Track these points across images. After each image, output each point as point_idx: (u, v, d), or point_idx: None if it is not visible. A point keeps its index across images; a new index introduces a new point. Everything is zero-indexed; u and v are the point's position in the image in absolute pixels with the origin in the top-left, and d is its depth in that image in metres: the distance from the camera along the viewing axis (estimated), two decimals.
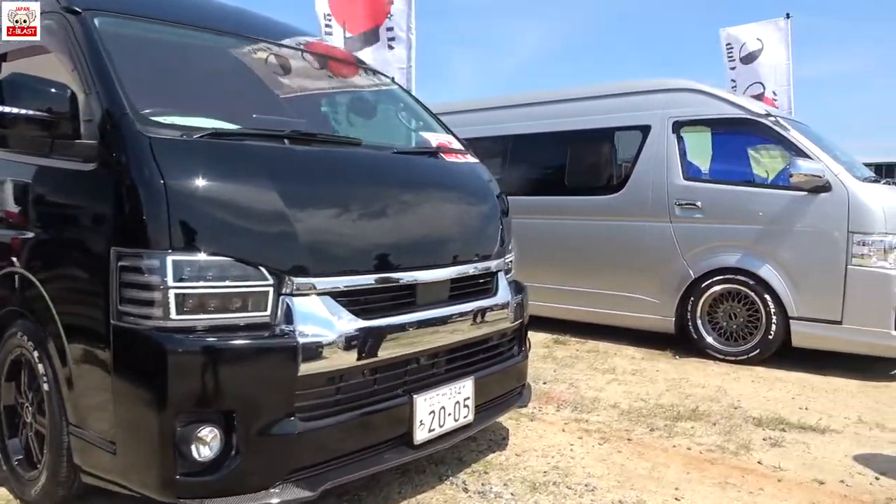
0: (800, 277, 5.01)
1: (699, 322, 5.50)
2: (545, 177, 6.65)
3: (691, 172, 5.67)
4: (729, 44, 7.68)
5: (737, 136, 5.55)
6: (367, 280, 2.51)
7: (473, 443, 3.45)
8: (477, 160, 3.54)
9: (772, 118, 5.25)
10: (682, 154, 5.65)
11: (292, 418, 2.25)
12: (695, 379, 4.84)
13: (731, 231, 5.33)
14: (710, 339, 5.45)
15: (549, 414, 4.00)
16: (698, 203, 5.45)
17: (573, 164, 6.38)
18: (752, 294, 5.23)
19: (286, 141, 2.58)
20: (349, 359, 2.37)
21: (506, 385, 3.19)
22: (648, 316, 5.78)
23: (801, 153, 5.04)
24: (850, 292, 4.81)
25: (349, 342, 2.36)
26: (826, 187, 4.90)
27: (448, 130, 3.65)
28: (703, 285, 5.45)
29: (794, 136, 5.14)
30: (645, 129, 5.84)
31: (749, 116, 5.34)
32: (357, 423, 2.44)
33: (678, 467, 3.23)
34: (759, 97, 7.36)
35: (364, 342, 2.41)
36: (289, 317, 2.29)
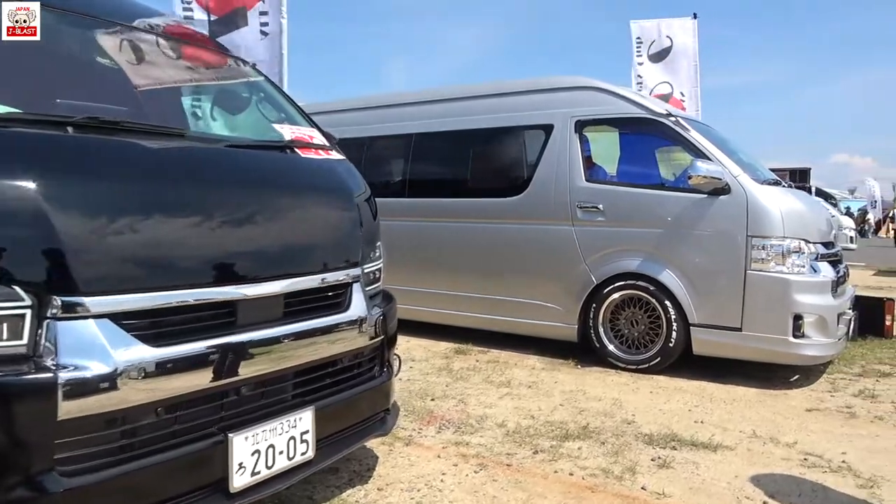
0: (700, 283, 4.84)
1: (601, 330, 5.27)
2: (448, 177, 6.32)
3: (594, 174, 5.44)
4: (639, 38, 7.56)
5: (639, 136, 5.36)
6: (165, 298, 2.07)
7: (333, 475, 3.05)
8: (342, 157, 3.14)
9: (672, 118, 5.07)
10: (585, 154, 5.42)
11: (51, 474, 1.80)
12: (593, 391, 4.59)
13: (632, 235, 5.12)
14: (611, 348, 5.23)
15: (429, 437, 3.64)
16: (600, 206, 5.22)
17: (476, 164, 6.07)
18: (653, 300, 5.03)
19: (71, 129, 2.11)
20: (134, 396, 1.93)
21: (361, 412, 2.81)
22: (552, 324, 5.53)
23: (701, 154, 4.88)
24: (750, 298, 4.66)
25: (134, 375, 1.92)
26: (725, 190, 4.74)
27: (312, 124, 3.24)
28: (605, 291, 5.22)
29: (694, 136, 4.98)
30: (548, 129, 5.58)
31: (650, 116, 5.15)
32: (150, 473, 1.99)
33: (556, 497, 2.92)
34: (667, 97, 7.27)
35: (157, 374, 1.98)
36: (52, 346, 1.83)
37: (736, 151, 5.61)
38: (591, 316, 5.28)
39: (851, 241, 24.59)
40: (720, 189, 4.74)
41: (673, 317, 4.92)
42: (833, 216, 22.19)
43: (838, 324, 4.82)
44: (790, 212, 4.71)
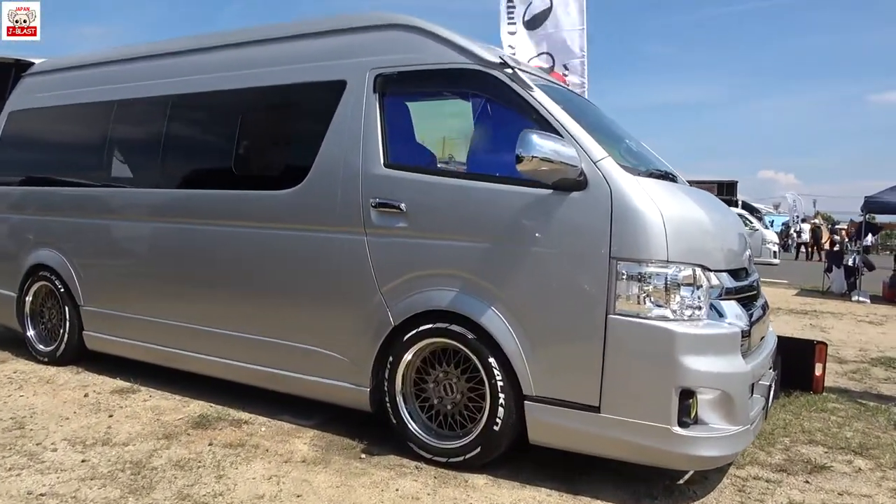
0: (539, 331, 3.02)
1: (399, 398, 3.40)
2: (207, 160, 4.35)
3: (398, 155, 3.55)
4: (511, 1, 5.79)
5: (462, 97, 3.52)
6: None
7: None
8: None
9: (508, 70, 3.24)
10: (389, 126, 3.54)
11: None
12: None
13: (446, 251, 3.27)
14: (415, 427, 3.36)
15: None
16: (402, 205, 3.35)
17: (243, 141, 4.11)
18: (472, 356, 3.19)
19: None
20: None
21: None
22: (334, 383, 3.62)
23: (544, 125, 3.06)
24: (612, 359, 2.86)
25: None
26: (579, 183, 2.94)
27: None
28: (407, 338, 3.35)
29: (538, 99, 3.15)
30: (338, 88, 3.68)
31: (476, 67, 3.31)
32: None
33: None
34: (547, 72, 5.53)
35: None
36: None
37: (609, 131, 3.86)
38: (387, 375, 3.40)
39: (775, 256, 23.92)
40: (571, 182, 2.93)
41: (499, 383, 3.09)
42: (756, 230, 21.35)
43: (752, 395, 3.09)
44: (681, 221, 2.95)
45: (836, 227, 24.59)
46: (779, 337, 4.24)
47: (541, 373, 3.00)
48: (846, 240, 18.15)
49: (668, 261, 2.82)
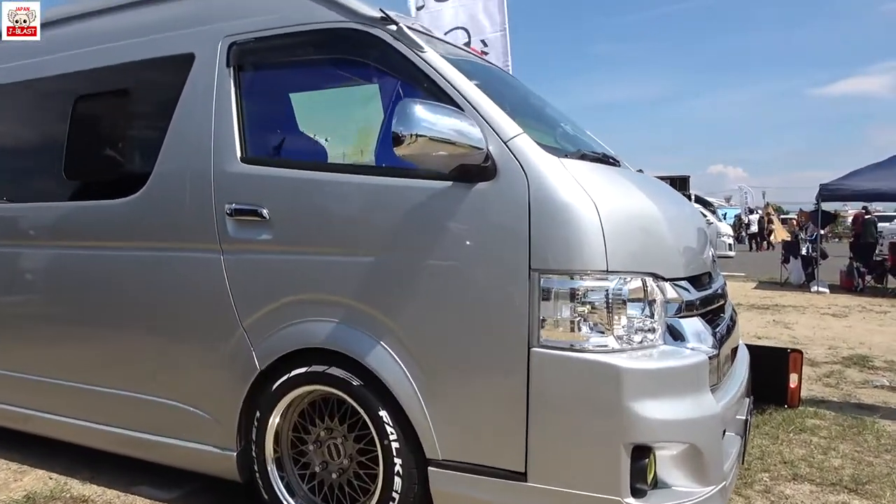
0: (443, 373, 2.24)
1: (271, 466, 2.58)
2: (32, 163, 3.44)
3: (260, 147, 2.74)
4: None
5: (338, 66, 2.73)
6: None
7: None
8: None
9: (392, 26, 2.45)
10: (248, 108, 2.72)
11: None
12: None
13: (321, 270, 2.46)
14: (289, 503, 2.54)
15: None
16: (264, 211, 2.53)
17: (73, 140, 3.22)
18: (359, 408, 2.39)
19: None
20: None
21: None
22: (196, 446, 2.78)
23: (439, 95, 2.29)
24: (540, 408, 2.10)
25: None
26: (487, 170, 2.17)
27: None
28: (276, 386, 2.53)
29: (431, 61, 2.37)
30: (184, 64, 2.84)
31: (350, 25, 2.51)
32: None
33: None
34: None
35: None
36: None
37: (539, 113, 3.13)
38: (255, 436, 2.58)
39: (730, 249, 23.74)
40: (474, 169, 2.17)
41: (394, 444, 2.30)
42: (711, 223, 21.14)
43: (725, 435, 2.37)
44: (624, 217, 2.21)
45: (784, 216, 24.54)
46: (748, 346, 3.58)
47: (448, 429, 2.23)
48: (796, 229, 17.97)
49: (608, 270, 2.08)
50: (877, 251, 12.99)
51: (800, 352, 4.18)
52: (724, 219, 28.52)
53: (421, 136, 2.01)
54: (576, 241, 2.06)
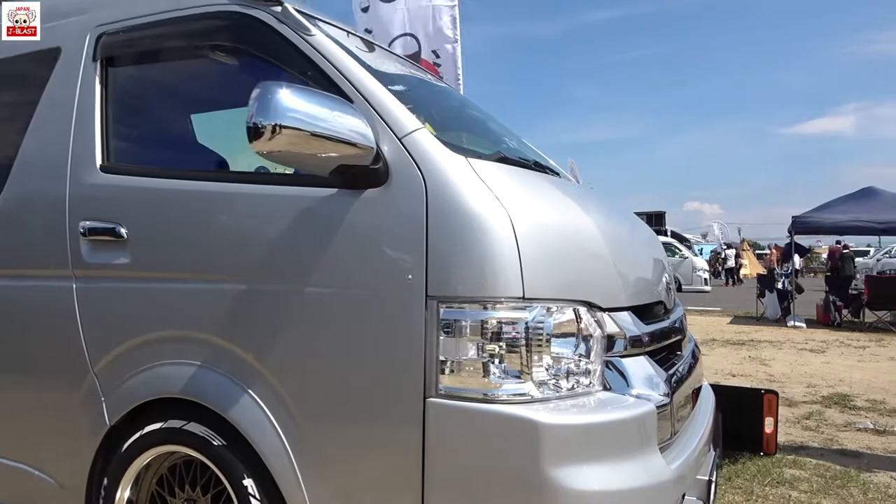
0: (322, 429, 1.77)
1: None
2: None
3: (125, 153, 2.28)
4: None
5: (218, 55, 2.29)
6: None
7: None
8: None
9: (276, 7, 2.03)
10: (115, 107, 2.28)
11: None
12: None
13: (184, 300, 1.99)
14: None
15: None
16: (122, 229, 2.06)
17: None
18: (221, 475, 1.90)
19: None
20: None
21: None
22: None
23: (324, 83, 1.86)
24: (437, 477, 1.63)
25: None
26: (377, 173, 1.74)
27: None
28: (126, 447, 2.03)
29: (319, 45, 1.95)
30: (49, 59, 2.40)
31: (231, 7, 2.09)
32: None
33: None
34: (415, 58, 4.39)
35: None
36: None
37: (477, 124, 2.74)
38: None
39: (706, 283, 23.50)
40: (361, 172, 1.73)
41: None
42: (687, 258, 20.94)
43: (684, 501, 1.91)
44: (548, 232, 1.78)
45: (760, 252, 24.47)
46: (718, 387, 3.19)
47: (321, 499, 1.74)
48: (773, 264, 17.81)
49: (524, 297, 1.64)
50: (853, 284, 12.75)
51: (775, 393, 3.77)
52: (701, 254, 28.45)
53: (286, 127, 1.58)
54: (483, 262, 1.63)
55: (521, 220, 1.67)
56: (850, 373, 6.97)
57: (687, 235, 36.54)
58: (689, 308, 15.59)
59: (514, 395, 1.61)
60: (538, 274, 1.66)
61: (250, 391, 1.82)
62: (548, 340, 1.67)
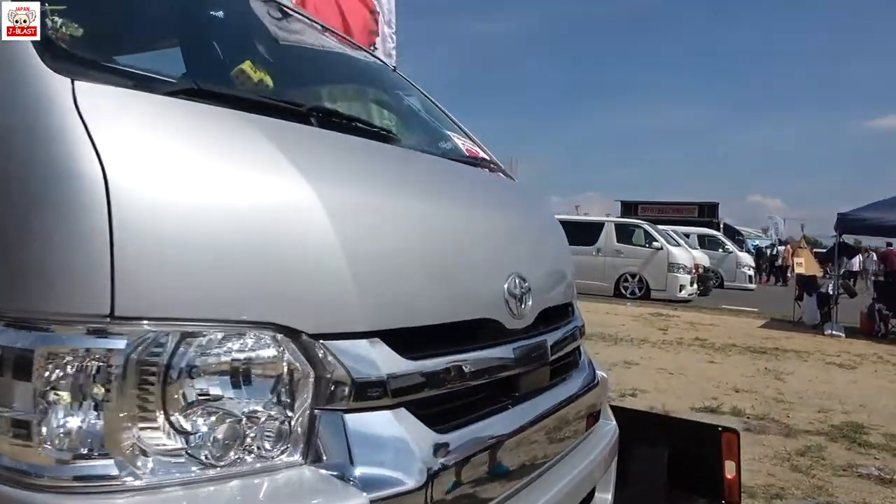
0: None
1: None
2: None
3: None
4: None
5: None
6: None
7: None
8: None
9: None
10: None
11: None
12: None
13: None
14: None
15: None
16: None
17: None
18: None
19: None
20: None
21: None
22: None
23: None
24: None
25: None
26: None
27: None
28: None
29: None
30: None
31: None
32: None
33: None
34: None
35: None
36: None
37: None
38: None
39: (750, 281, 22.11)
40: None
41: None
42: (731, 252, 19.71)
43: None
44: (202, 209, 1.09)
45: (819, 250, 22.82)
46: (672, 419, 2.51)
47: None
48: (789, 262, 16.47)
49: (114, 315, 0.97)
50: None
51: (735, 432, 2.98)
52: (753, 250, 26.95)
53: None
54: (38, 249, 0.96)
55: (132, 180, 1.00)
56: (877, 397, 6.02)
57: (747, 229, 34.75)
58: (723, 307, 14.51)
59: (83, 476, 0.95)
60: (158, 280, 0.99)
61: None
62: (174, 381, 1.01)
